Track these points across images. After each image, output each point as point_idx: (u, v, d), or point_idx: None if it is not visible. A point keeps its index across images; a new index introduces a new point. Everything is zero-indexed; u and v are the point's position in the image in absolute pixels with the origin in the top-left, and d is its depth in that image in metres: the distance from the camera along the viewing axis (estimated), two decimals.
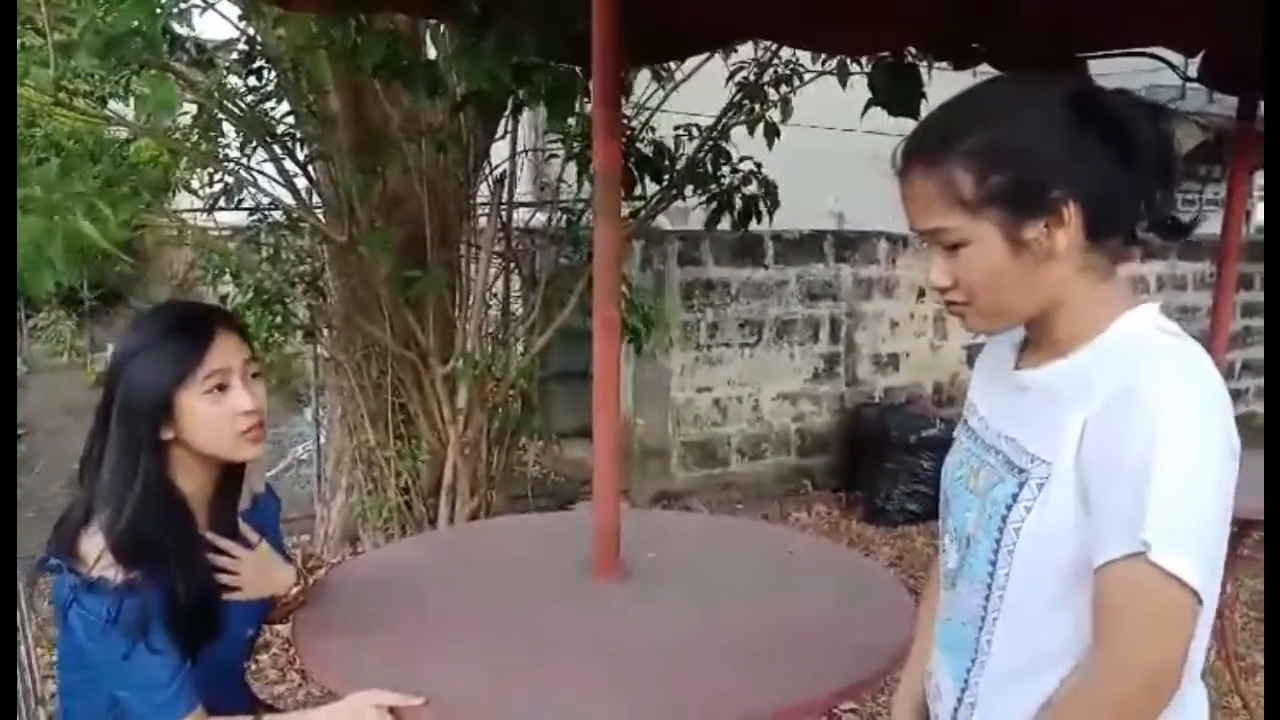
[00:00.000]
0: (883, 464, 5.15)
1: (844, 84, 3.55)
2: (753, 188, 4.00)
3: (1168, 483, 0.92)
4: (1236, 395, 7.28)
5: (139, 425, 1.44)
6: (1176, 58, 2.58)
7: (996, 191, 1.00)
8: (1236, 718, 3.12)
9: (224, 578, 1.55)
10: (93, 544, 1.41)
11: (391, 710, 1.41)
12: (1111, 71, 2.56)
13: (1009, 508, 1.05)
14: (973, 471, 1.16)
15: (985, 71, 2.52)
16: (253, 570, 1.58)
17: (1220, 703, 3.22)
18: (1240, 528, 3.10)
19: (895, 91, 2.62)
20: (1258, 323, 7.49)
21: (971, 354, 6.23)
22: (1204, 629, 1.02)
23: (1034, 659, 1.07)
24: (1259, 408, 7.53)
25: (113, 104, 4.05)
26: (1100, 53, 2.49)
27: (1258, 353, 7.49)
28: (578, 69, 2.64)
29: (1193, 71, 2.68)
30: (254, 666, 3.26)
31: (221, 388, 1.47)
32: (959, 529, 1.17)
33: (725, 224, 4.05)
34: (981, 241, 1.02)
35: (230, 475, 1.60)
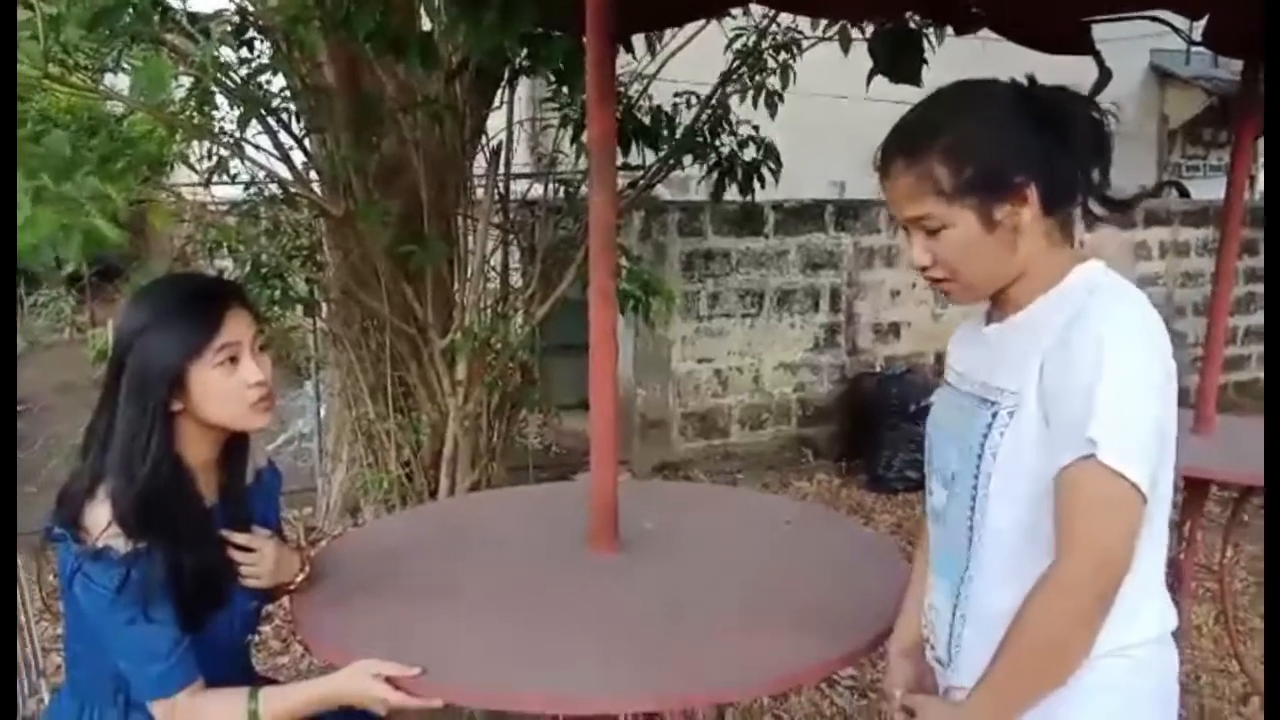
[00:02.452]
0: (883, 433, 5.15)
1: (846, 50, 3.51)
2: (752, 151, 3.97)
3: (1111, 394, 1.09)
4: (1240, 360, 7.28)
5: (151, 397, 1.44)
6: (1182, 21, 2.54)
7: (971, 181, 1.18)
8: (1234, 680, 3.14)
9: (244, 569, 1.58)
10: (99, 514, 1.42)
11: (390, 679, 1.42)
12: (1117, 36, 2.53)
13: (985, 435, 1.22)
14: (950, 417, 1.33)
15: (987, 36, 2.50)
16: (269, 559, 1.60)
17: (1219, 666, 3.24)
18: (1241, 494, 3.11)
19: (897, 59, 2.59)
20: (1262, 289, 7.46)
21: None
22: (1158, 542, 1.21)
23: (1016, 565, 1.20)
24: (1261, 373, 7.51)
25: (108, 78, 4.01)
26: (1104, 17, 2.46)
27: (1260, 318, 7.47)
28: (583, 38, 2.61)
29: (1197, 35, 2.65)
30: (256, 638, 3.28)
31: (233, 360, 1.48)
32: (943, 469, 1.32)
33: (730, 192, 4.02)
34: (960, 224, 1.20)
35: (235, 446, 1.61)
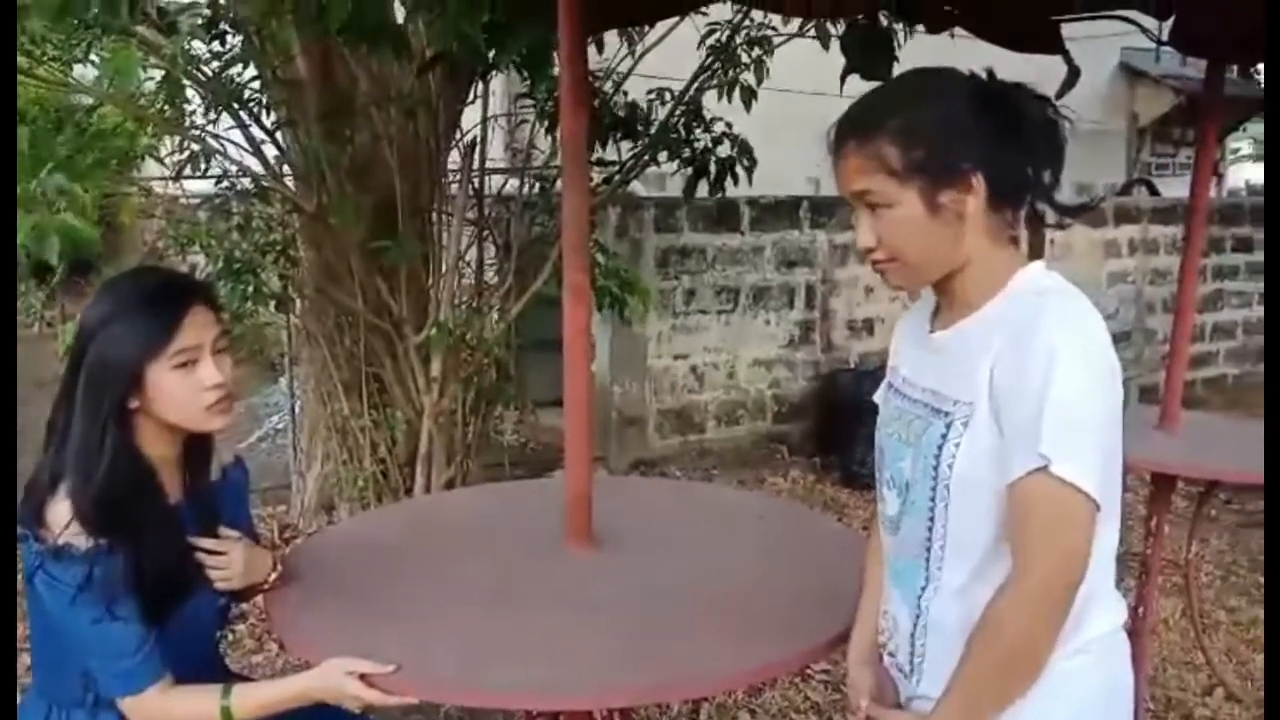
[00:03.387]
0: (857, 429, 5.17)
1: (826, 46, 3.51)
2: (726, 148, 3.98)
3: (1060, 403, 1.10)
4: (1208, 357, 7.38)
5: (105, 394, 1.43)
6: (1150, 21, 2.57)
7: (919, 163, 1.19)
8: (1199, 672, 3.19)
9: (214, 573, 1.57)
10: (59, 511, 1.40)
11: (364, 677, 1.42)
12: (1087, 34, 2.55)
13: (940, 447, 1.22)
14: (904, 425, 1.32)
15: (960, 35, 2.52)
16: (239, 561, 1.59)
17: (1185, 659, 3.29)
18: (1206, 489, 3.16)
19: (868, 56, 2.60)
20: (1230, 285, 7.57)
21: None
22: (1106, 544, 1.22)
23: (976, 574, 1.23)
24: (1230, 369, 7.63)
25: (76, 70, 3.96)
26: (1073, 16, 2.49)
27: (1228, 315, 7.59)
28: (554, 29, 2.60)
29: (1165, 35, 2.67)
30: (231, 636, 3.26)
31: (190, 363, 1.46)
32: (896, 477, 1.33)
33: (703, 189, 4.03)
34: (905, 204, 1.21)
35: (199, 442, 1.59)
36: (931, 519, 1.25)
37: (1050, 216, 1.27)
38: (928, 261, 1.25)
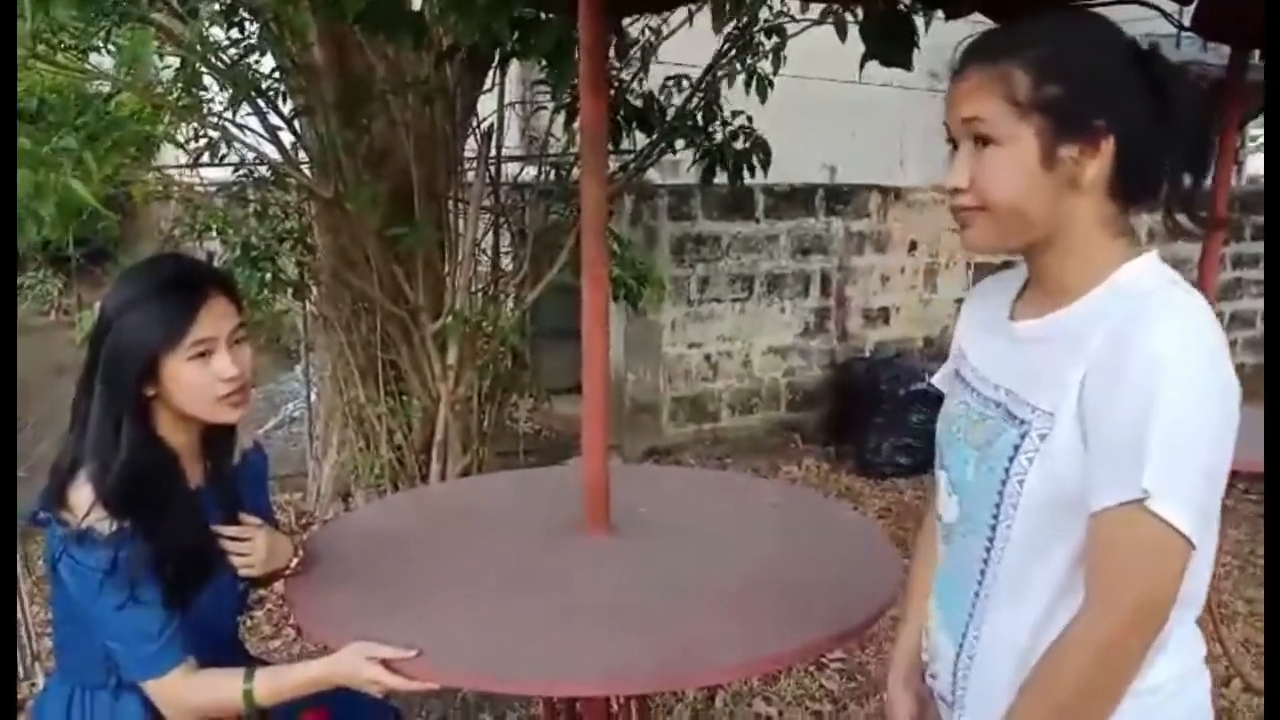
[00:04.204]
0: (872, 418, 5.17)
1: (843, 37, 3.50)
2: (741, 142, 3.97)
3: (1166, 431, 0.94)
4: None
5: (122, 382, 1.44)
6: (1172, 6, 2.54)
7: (1048, 100, 1.03)
8: (1218, 663, 3.18)
9: (237, 560, 1.58)
10: (81, 495, 1.42)
11: (384, 662, 1.43)
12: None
13: (1011, 459, 1.07)
14: (972, 423, 1.17)
15: (979, 20, 2.50)
16: (262, 548, 1.60)
17: None
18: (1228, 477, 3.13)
19: (887, 43, 2.58)
20: (1249, 274, 7.50)
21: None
22: (1203, 574, 1.06)
23: (1036, 612, 1.08)
24: (1247, 359, 7.56)
25: (93, 57, 3.98)
26: (1094, 2, 2.46)
27: (1247, 304, 7.52)
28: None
29: (1187, 20, 2.65)
30: (249, 622, 3.29)
31: (206, 354, 1.47)
32: (958, 482, 1.18)
33: (720, 178, 4.02)
34: (1018, 143, 1.04)
35: (219, 430, 1.60)
36: (991, 540, 1.11)
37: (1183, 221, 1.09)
38: (1021, 218, 1.07)
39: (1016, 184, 1.05)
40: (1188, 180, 1.07)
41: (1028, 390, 1.09)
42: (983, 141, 1.06)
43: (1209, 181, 1.09)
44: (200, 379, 1.46)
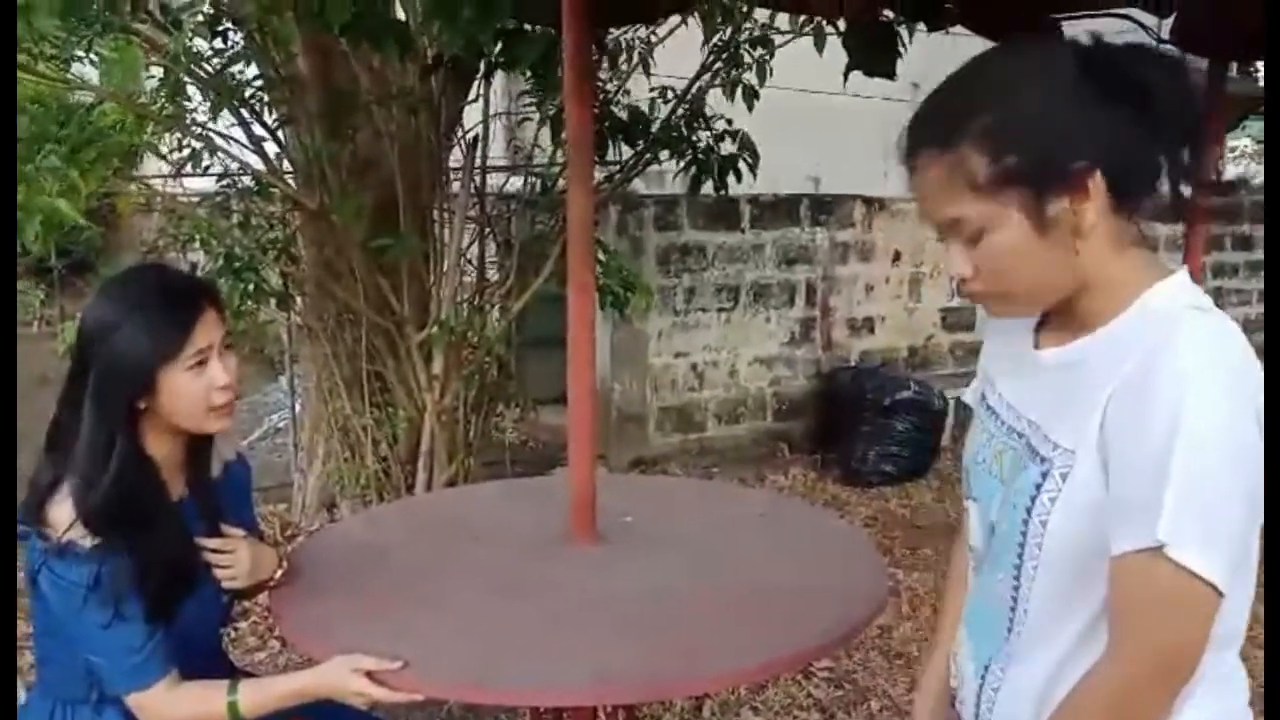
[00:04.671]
0: (858, 427, 5.18)
1: (820, 49, 3.54)
2: (728, 145, 3.99)
3: (1188, 476, 0.88)
4: None
5: (118, 397, 1.43)
6: (1151, 19, 2.58)
7: (1015, 171, 0.94)
8: None
9: (221, 573, 1.57)
10: (61, 511, 1.40)
11: (369, 673, 1.42)
12: (1088, 32, 2.56)
13: (1033, 499, 1.02)
14: (995, 455, 1.12)
15: (959, 32, 2.52)
16: (245, 560, 1.59)
17: None
18: None
19: (871, 53, 2.60)
20: (1229, 283, 7.57)
21: (946, 317, 6.27)
22: (1241, 610, 1.01)
23: (1057, 650, 1.04)
24: None
25: (75, 67, 3.96)
26: (1074, 14, 2.49)
27: (1228, 313, 7.54)
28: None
29: (1165, 34, 2.68)
30: (233, 634, 3.26)
31: (201, 364, 1.46)
32: (984, 514, 1.15)
33: (707, 187, 4.04)
34: (1004, 226, 0.96)
35: (200, 440, 1.59)
36: (1017, 580, 1.07)
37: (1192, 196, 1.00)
38: (1040, 289, 1.01)
39: (1021, 265, 0.99)
40: (1186, 156, 0.98)
41: (1051, 424, 1.04)
42: (971, 236, 0.99)
43: (1209, 147, 1.03)
44: (196, 388, 1.46)
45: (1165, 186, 0.98)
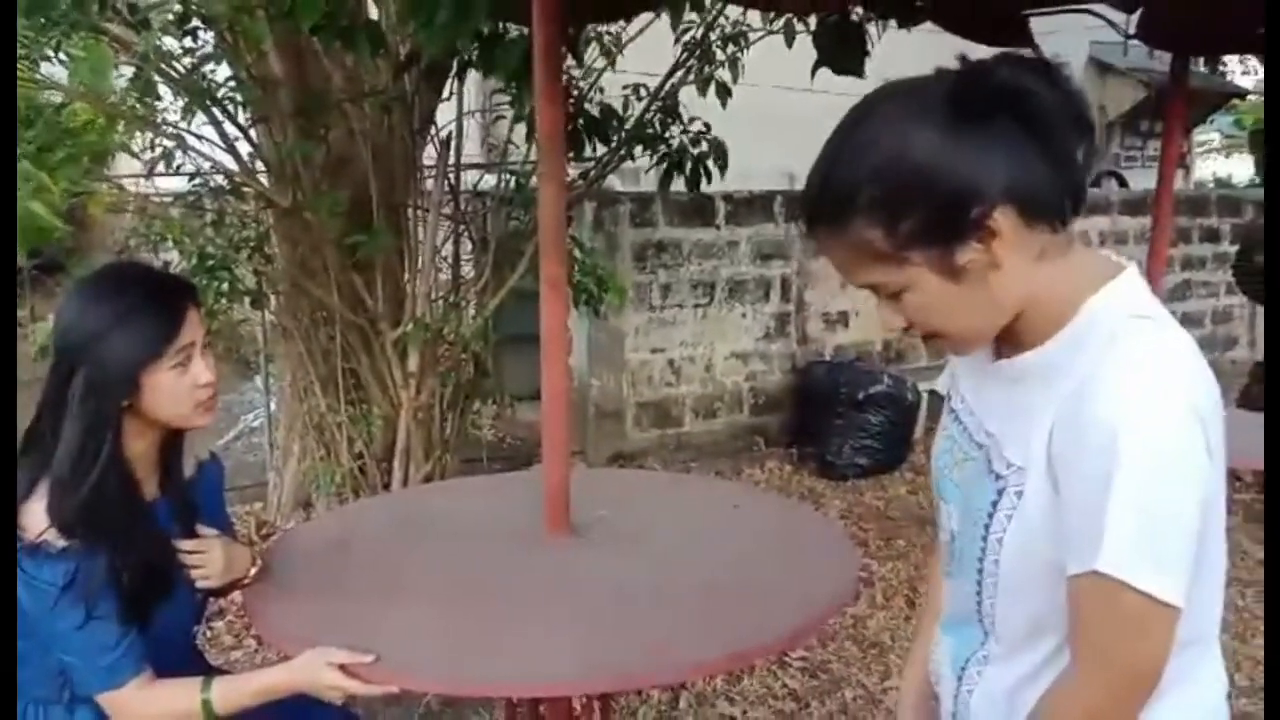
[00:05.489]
0: (832, 420, 5.22)
1: (790, 44, 3.56)
2: (702, 147, 4.01)
3: (1127, 499, 0.88)
4: None
5: (107, 401, 1.43)
6: (1119, 16, 2.61)
7: (912, 235, 0.93)
8: None
9: (195, 572, 1.58)
10: (35, 513, 1.40)
11: (344, 667, 1.43)
12: (1056, 28, 2.60)
13: (990, 515, 1.03)
14: (957, 462, 1.13)
15: (930, 29, 2.55)
16: (219, 559, 1.60)
17: None
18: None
19: (840, 51, 2.63)
20: (1198, 275, 7.68)
21: None
22: (1208, 612, 1.02)
23: (1032, 656, 1.05)
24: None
25: (44, 67, 3.93)
26: (1041, 10, 2.53)
27: (1195, 305, 7.70)
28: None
29: (1134, 29, 2.72)
30: (209, 633, 3.26)
31: (184, 361, 1.47)
32: (947, 519, 1.16)
33: (679, 185, 4.06)
34: (917, 285, 0.96)
35: (175, 437, 1.60)
36: (979, 590, 1.08)
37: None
38: (976, 328, 1.01)
39: (945, 314, 0.99)
40: (1082, 153, 0.96)
41: (1006, 439, 1.04)
42: (891, 296, 0.99)
43: (1097, 144, 0.99)
44: (180, 386, 1.47)
45: (1069, 189, 0.96)
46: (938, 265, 0.94)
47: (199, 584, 1.59)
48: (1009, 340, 1.04)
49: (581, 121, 3.73)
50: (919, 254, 0.94)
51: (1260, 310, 7.49)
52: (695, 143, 4.03)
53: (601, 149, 3.99)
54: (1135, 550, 0.89)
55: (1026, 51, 1.06)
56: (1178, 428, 0.89)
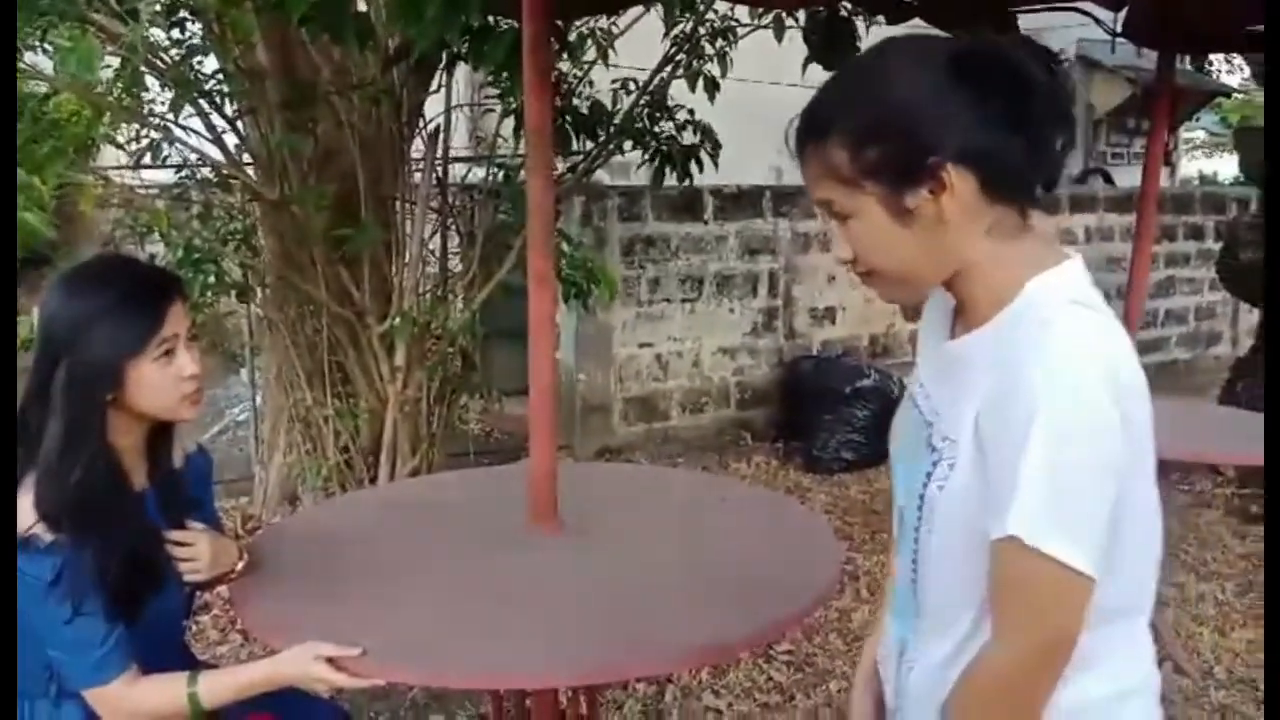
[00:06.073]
0: (820, 415, 5.24)
1: (780, 38, 3.57)
2: (690, 136, 4.01)
3: (1039, 465, 0.92)
4: (1159, 342, 7.53)
5: (91, 394, 1.43)
6: (1106, 14, 2.63)
7: (871, 165, 1.00)
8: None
9: (183, 565, 1.57)
10: (21, 507, 1.40)
11: (331, 660, 1.43)
12: (1044, 25, 2.61)
13: (925, 486, 1.08)
14: (905, 438, 1.18)
15: (918, 25, 2.56)
16: (207, 552, 1.60)
17: None
18: (1156, 468, 3.24)
19: (830, 46, 2.64)
20: (1182, 272, 7.73)
21: (905, 307, 6.35)
22: (1136, 583, 1.05)
23: (953, 633, 1.09)
24: (1181, 354, 7.80)
25: (29, 56, 3.90)
26: (1030, 7, 2.54)
27: (1179, 301, 7.75)
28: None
29: (1119, 26, 2.74)
30: (195, 627, 3.25)
31: (169, 353, 1.47)
32: (899, 496, 1.20)
33: (670, 179, 4.06)
34: (866, 213, 1.03)
35: (162, 430, 1.60)
36: (915, 562, 1.12)
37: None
38: (911, 274, 1.06)
39: (884, 250, 1.04)
40: (1060, 145, 1.02)
41: (945, 415, 1.09)
42: (841, 218, 1.06)
43: (1073, 144, 1.06)
44: (164, 378, 1.47)
45: (1038, 177, 1.03)
46: (887, 201, 1.01)
47: (187, 577, 1.59)
48: (960, 314, 1.11)
49: (569, 118, 3.73)
50: (873, 184, 1.01)
51: (1243, 307, 7.55)
52: (682, 130, 4.03)
53: (590, 142, 3.99)
54: (1044, 515, 0.92)
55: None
56: (1092, 401, 0.93)
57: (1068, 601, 0.95)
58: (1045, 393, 0.93)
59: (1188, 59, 7.89)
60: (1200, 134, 15.47)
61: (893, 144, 0.99)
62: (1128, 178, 8.73)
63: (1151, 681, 1.11)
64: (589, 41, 4.01)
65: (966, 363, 1.07)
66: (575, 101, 3.90)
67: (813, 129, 1.05)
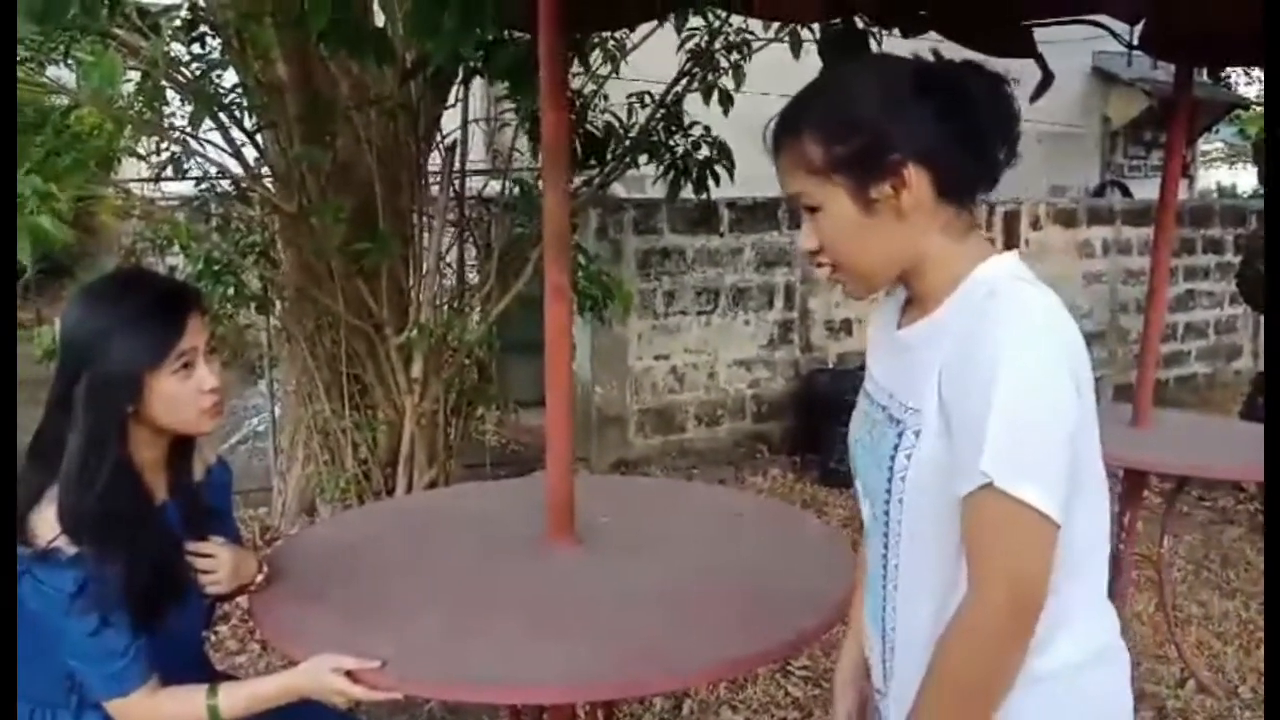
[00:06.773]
0: (835, 428, 5.19)
1: (796, 53, 3.57)
2: (705, 151, 4.02)
3: (1004, 416, 1.00)
4: (1179, 356, 7.48)
5: (110, 406, 1.44)
6: (1121, 27, 2.62)
7: (841, 158, 1.12)
8: (1171, 665, 3.24)
9: (204, 578, 1.58)
10: (45, 519, 1.41)
11: (349, 673, 1.43)
12: (1060, 38, 2.60)
13: (892, 458, 1.15)
14: (868, 430, 1.25)
15: (933, 39, 2.56)
16: (227, 565, 1.60)
17: (1158, 653, 3.34)
18: (1177, 485, 3.22)
19: (845, 59, 2.64)
20: (1201, 285, 7.68)
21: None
22: (1091, 542, 1.13)
23: (932, 599, 1.14)
24: (1201, 368, 7.74)
25: (52, 71, 3.95)
26: (1045, 20, 2.53)
27: (1199, 315, 7.69)
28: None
29: (1136, 39, 2.73)
30: (213, 638, 3.26)
31: (188, 366, 1.48)
32: (864, 483, 1.27)
33: (686, 192, 4.07)
34: (834, 203, 1.14)
35: (184, 443, 1.61)
36: (886, 536, 1.19)
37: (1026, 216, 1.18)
38: (871, 264, 1.17)
39: (849, 240, 1.15)
40: (1003, 154, 1.14)
41: (904, 392, 1.17)
42: (810, 210, 1.17)
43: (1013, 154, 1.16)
44: (184, 391, 1.48)
45: (982, 181, 1.16)
46: (854, 192, 1.12)
47: (207, 589, 1.60)
48: (911, 307, 1.23)
49: (583, 140, 3.75)
50: (842, 176, 1.12)
51: (1264, 320, 7.48)
52: (697, 146, 4.04)
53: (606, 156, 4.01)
54: (1014, 462, 1.00)
55: (1017, 63, 1.33)
56: (1050, 361, 1.04)
57: (1039, 545, 1.02)
58: (1007, 353, 1.02)
59: (1205, 71, 7.84)
60: (1219, 146, 15.39)
61: (861, 141, 1.11)
62: (1145, 190, 8.68)
63: (1120, 655, 1.18)
64: (602, 54, 4.03)
65: (923, 343, 1.16)
66: (590, 116, 3.91)
67: (790, 126, 1.17)
